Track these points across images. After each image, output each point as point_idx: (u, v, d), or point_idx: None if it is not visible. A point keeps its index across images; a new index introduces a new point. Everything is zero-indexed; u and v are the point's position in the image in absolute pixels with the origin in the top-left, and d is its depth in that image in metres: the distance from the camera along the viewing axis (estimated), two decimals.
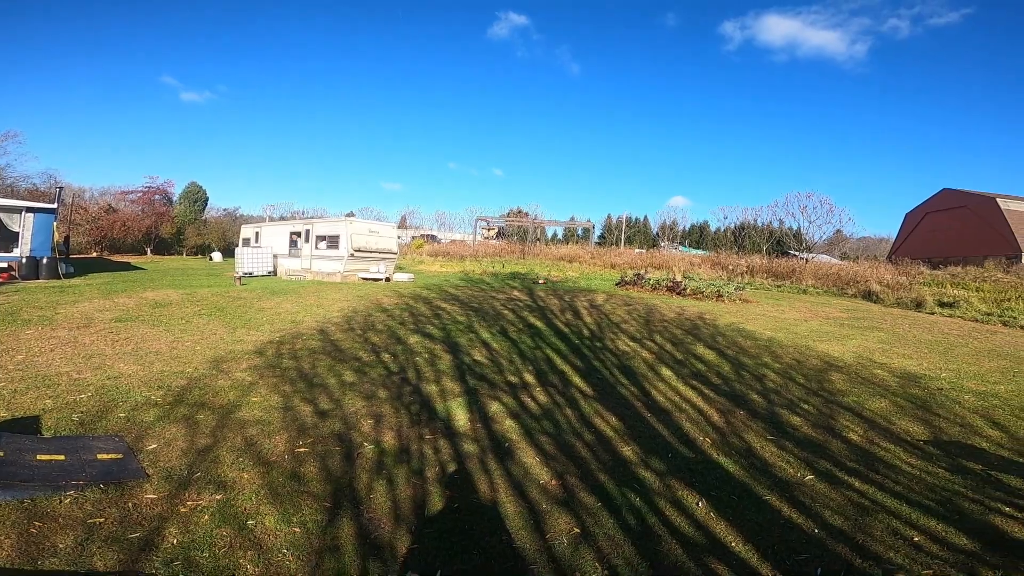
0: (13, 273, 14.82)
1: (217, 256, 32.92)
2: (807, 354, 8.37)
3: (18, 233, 15.75)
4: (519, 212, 58.03)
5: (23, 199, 21.94)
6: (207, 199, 43.97)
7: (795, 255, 34.67)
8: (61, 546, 2.80)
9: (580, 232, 55.62)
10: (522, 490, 3.79)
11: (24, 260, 15.07)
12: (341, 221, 19.98)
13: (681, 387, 6.45)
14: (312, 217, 33.54)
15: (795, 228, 44.30)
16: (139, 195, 39.55)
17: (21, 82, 73.56)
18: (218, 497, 3.42)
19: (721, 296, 15.55)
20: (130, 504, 3.25)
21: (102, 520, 3.07)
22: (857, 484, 4.06)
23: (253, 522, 3.18)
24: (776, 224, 46.85)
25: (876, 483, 4.08)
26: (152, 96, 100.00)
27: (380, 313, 10.84)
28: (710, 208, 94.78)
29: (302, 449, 4.22)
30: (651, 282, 17.98)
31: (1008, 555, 3.13)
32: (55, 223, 16.67)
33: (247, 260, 20.24)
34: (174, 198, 41.94)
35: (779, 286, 22.33)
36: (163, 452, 4.02)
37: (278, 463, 3.96)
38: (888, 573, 2.93)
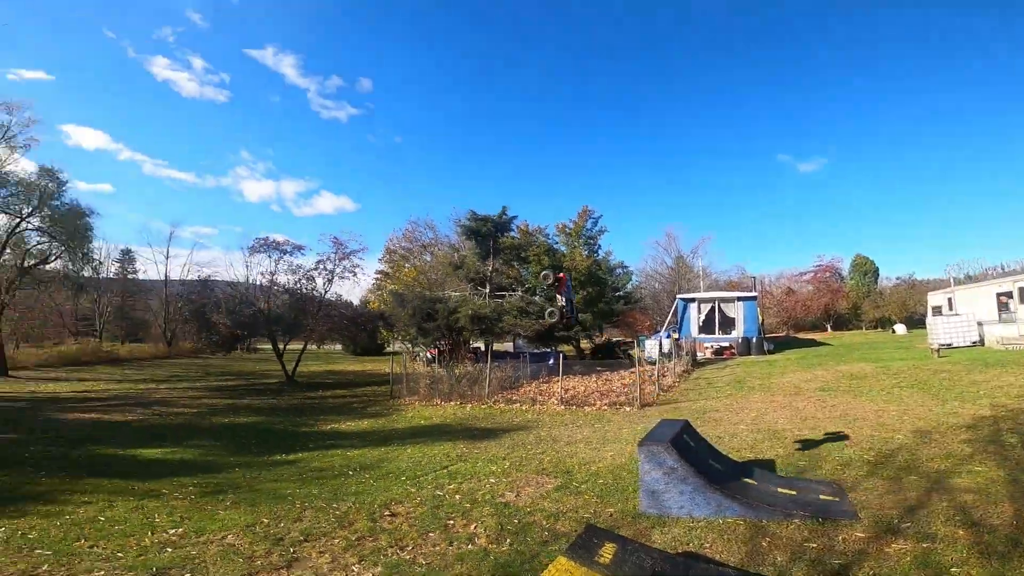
0: (733, 351, 19.28)
1: (900, 328, 30.67)
2: None
3: (734, 318, 20.56)
4: None
5: (723, 291, 28.04)
6: (877, 270, 42.74)
7: None
8: (779, 560, 3.34)
9: None
10: None
11: (740, 340, 19.35)
12: None
13: None
14: (1020, 272, 25.90)
15: None
16: (811, 275, 43.09)
17: (707, 190, 79.91)
18: (924, 545, 3.39)
19: None
20: (839, 538, 3.60)
21: (813, 546, 3.50)
22: None
23: (957, 570, 3.05)
24: None
25: None
26: (778, 176, 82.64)
27: None
28: None
29: None
30: None
31: None
32: (757, 308, 20.75)
33: (942, 330, 17.87)
34: (844, 273, 43.06)
35: None
36: (872, 502, 4.26)
37: (999, 527, 3.55)
38: None
